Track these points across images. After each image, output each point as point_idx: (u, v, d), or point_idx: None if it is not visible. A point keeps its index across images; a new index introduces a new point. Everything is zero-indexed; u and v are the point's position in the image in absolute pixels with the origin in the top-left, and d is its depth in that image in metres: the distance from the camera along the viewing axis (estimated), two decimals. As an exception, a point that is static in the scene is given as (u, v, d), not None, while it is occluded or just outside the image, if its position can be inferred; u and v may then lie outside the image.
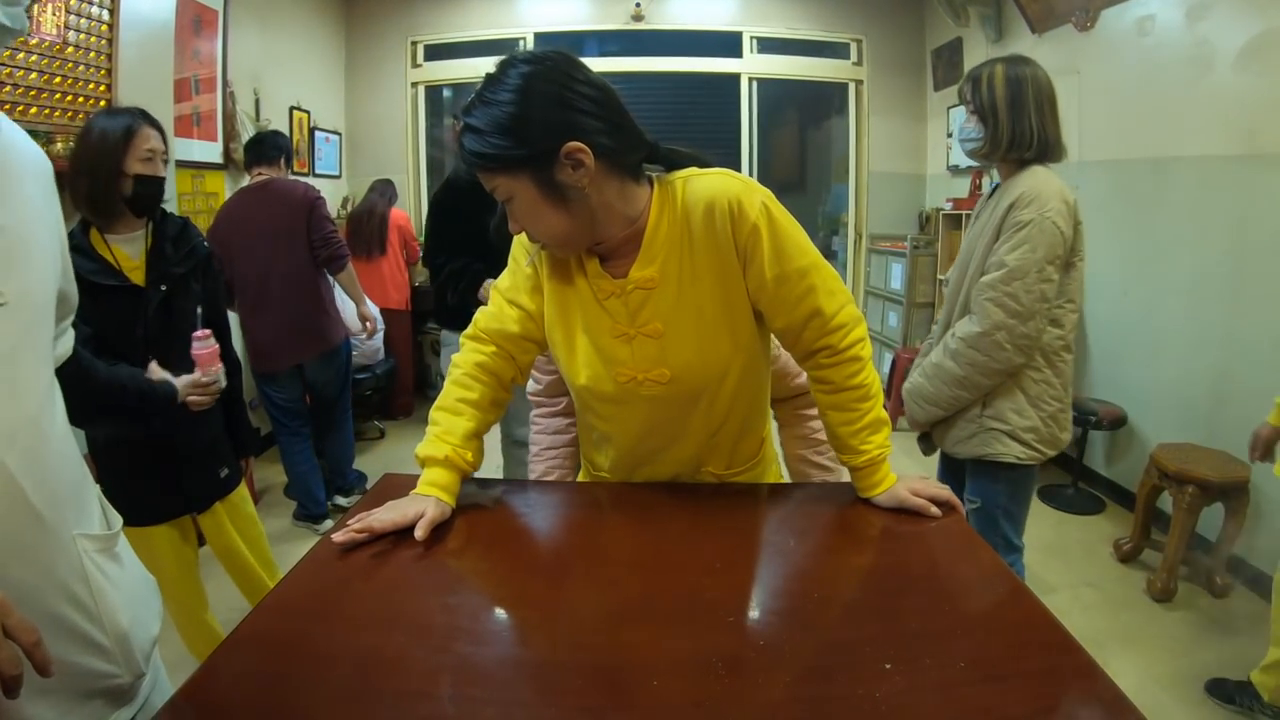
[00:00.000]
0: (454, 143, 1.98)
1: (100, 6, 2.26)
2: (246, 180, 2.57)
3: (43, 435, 0.63)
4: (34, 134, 0.70)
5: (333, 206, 3.05)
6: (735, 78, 4.30)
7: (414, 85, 4.35)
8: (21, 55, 1.99)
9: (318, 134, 3.86)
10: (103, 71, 2.29)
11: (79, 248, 1.34)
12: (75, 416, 0.71)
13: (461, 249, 2.05)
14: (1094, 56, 2.92)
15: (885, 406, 0.95)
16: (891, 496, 0.91)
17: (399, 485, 0.95)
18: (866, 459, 0.92)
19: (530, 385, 1.29)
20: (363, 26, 4.26)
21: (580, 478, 1.15)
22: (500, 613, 0.76)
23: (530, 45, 4.10)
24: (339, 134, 4.18)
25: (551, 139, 0.78)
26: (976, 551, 0.85)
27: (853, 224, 4.48)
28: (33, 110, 2.04)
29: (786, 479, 1.22)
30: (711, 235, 0.84)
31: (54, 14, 2.07)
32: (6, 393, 0.59)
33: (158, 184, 1.43)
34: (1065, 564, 2.40)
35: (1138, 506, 2.37)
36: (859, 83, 4.33)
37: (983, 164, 1.61)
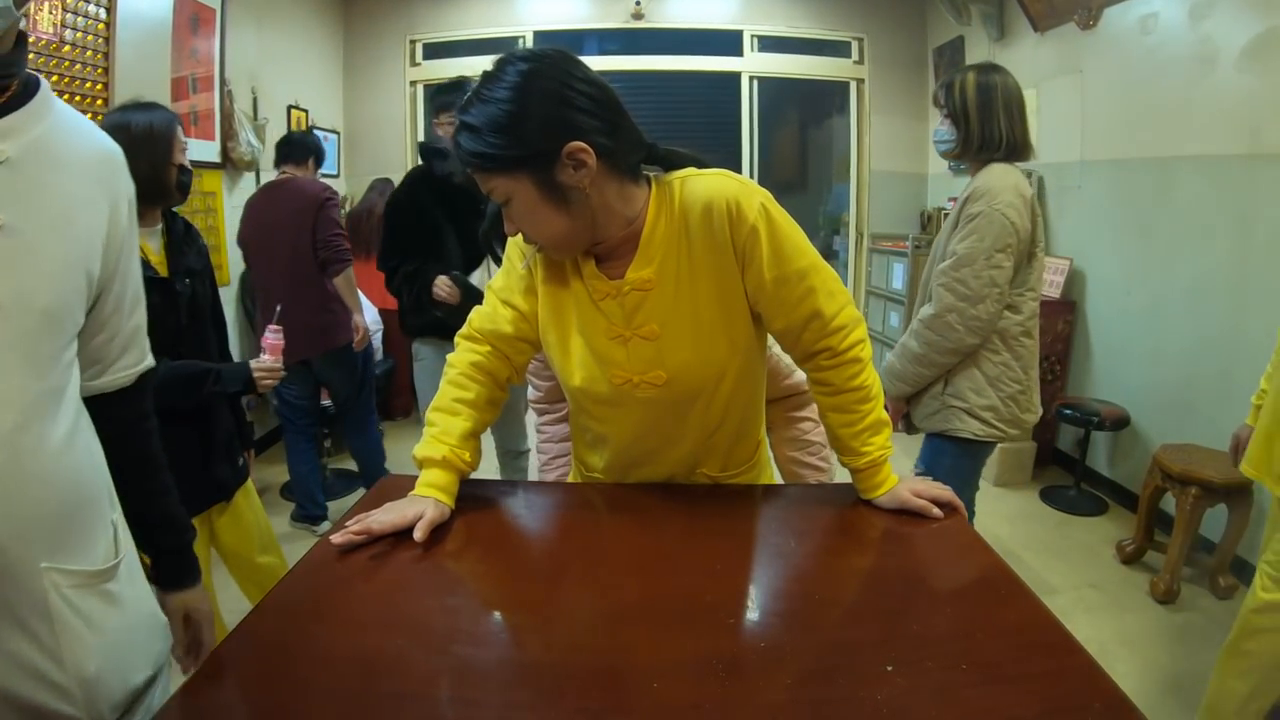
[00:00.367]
0: (441, 139, 1.97)
1: (97, 5, 2.25)
2: (274, 176, 2.62)
3: (17, 453, 0.59)
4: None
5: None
6: (736, 76, 4.30)
7: (412, 84, 4.34)
8: (19, 53, 1.99)
9: (316, 133, 3.85)
10: (99, 70, 2.28)
11: None
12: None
13: (416, 251, 2.04)
14: (1096, 55, 2.92)
15: (886, 407, 0.94)
16: (893, 498, 0.91)
17: (397, 486, 0.94)
18: (868, 460, 0.91)
19: (530, 393, 1.29)
20: (361, 25, 4.26)
21: (572, 478, 1.14)
22: (499, 614, 0.76)
23: (529, 44, 4.09)
24: (337, 133, 4.17)
25: (552, 138, 0.77)
26: (978, 553, 0.84)
27: (854, 224, 4.47)
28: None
29: (780, 482, 1.21)
30: (709, 236, 0.84)
31: (50, 12, 2.07)
32: None
33: (190, 174, 1.50)
34: (1068, 565, 2.39)
35: (1140, 508, 2.37)
36: (860, 81, 4.32)
37: (956, 164, 1.75)
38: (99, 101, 2.28)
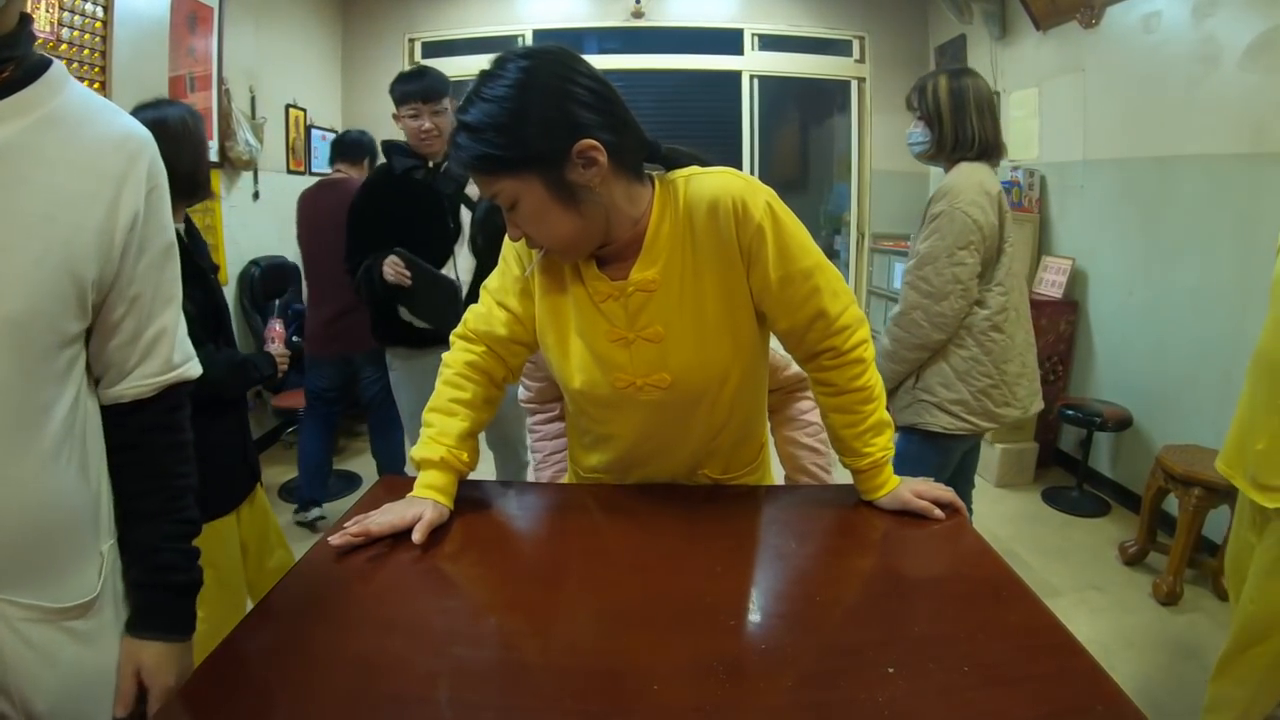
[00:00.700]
0: (417, 138, 1.91)
1: (94, 3, 2.25)
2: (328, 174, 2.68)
3: None
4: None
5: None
6: (736, 75, 4.29)
7: (413, 83, 4.34)
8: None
9: (314, 132, 3.85)
10: (96, 69, 2.28)
11: None
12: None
13: (378, 250, 1.93)
14: (1099, 54, 2.91)
15: (888, 408, 0.94)
16: (894, 499, 0.90)
17: (396, 487, 0.94)
18: (870, 461, 0.91)
19: (521, 393, 1.28)
20: (359, 24, 4.25)
21: (567, 479, 1.13)
22: (498, 616, 0.76)
23: (529, 42, 4.08)
24: (335, 132, 4.16)
25: (559, 137, 0.75)
26: (980, 554, 0.84)
27: (855, 223, 4.46)
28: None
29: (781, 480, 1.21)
30: (715, 235, 0.82)
31: (47, 10, 2.06)
32: None
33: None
34: (1070, 567, 2.39)
35: (1143, 509, 2.36)
36: (861, 80, 4.31)
37: (930, 165, 1.78)
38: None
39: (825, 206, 4.79)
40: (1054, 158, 3.23)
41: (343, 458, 3.30)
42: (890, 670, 0.61)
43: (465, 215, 1.96)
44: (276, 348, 1.63)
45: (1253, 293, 2.26)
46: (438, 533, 0.85)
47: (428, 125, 1.89)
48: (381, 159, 2.22)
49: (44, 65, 0.62)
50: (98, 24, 2.27)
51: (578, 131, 0.75)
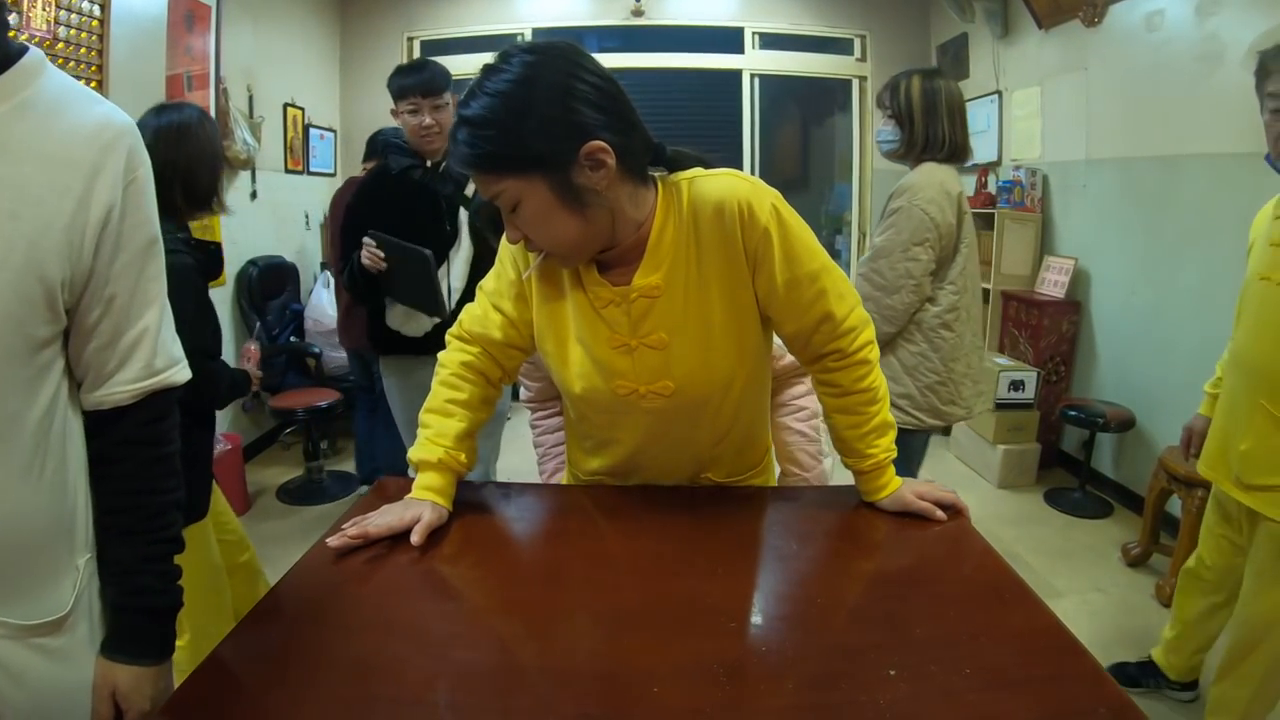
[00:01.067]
0: (416, 135, 1.88)
1: (91, 2, 2.24)
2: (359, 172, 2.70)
3: None
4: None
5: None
6: (737, 74, 4.28)
7: (413, 82, 4.33)
8: (14, 51, 1.98)
9: (312, 131, 3.84)
10: (94, 68, 2.27)
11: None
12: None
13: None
14: (1102, 52, 2.90)
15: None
16: (896, 500, 0.90)
17: (394, 489, 0.94)
18: (872, 462, 0.90)
19: (521, 393, 1.28)
20: (358, 22, 4.24)
21: (564, 481, 1.13)
22: (497, 618, 0.75)
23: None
24: (334, 131, 4.16)
25: (565, 137, 0.72)
26: (982, 556, 0.84)
27: (856, 223, 4.46)
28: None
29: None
30: (720, 239, 0.81)
31: (44, 9, 2.05)
32: None
33: None
34: (1072, 569, 2.38)
35: (1146, 510, 2.35)
36: (863, 79, 4.30)
37: (898, 163, 1.79)
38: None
39: (826, 206, 4.79)
40: (1056, 157, 3.22)
41: (339, 459, 3.30)
42: (891, 672, 0.61)
43: (464, 216, 1.94)
44: (251, 368, 1.65)
45: (1255, 292, 2.25)
46: (436, 534, 0.84)
47: (428, 121, 1.78)
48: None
49: (20, 53, 0.58)
50: (95, 23, 2.27)
51: (585, 132, 0.72)
